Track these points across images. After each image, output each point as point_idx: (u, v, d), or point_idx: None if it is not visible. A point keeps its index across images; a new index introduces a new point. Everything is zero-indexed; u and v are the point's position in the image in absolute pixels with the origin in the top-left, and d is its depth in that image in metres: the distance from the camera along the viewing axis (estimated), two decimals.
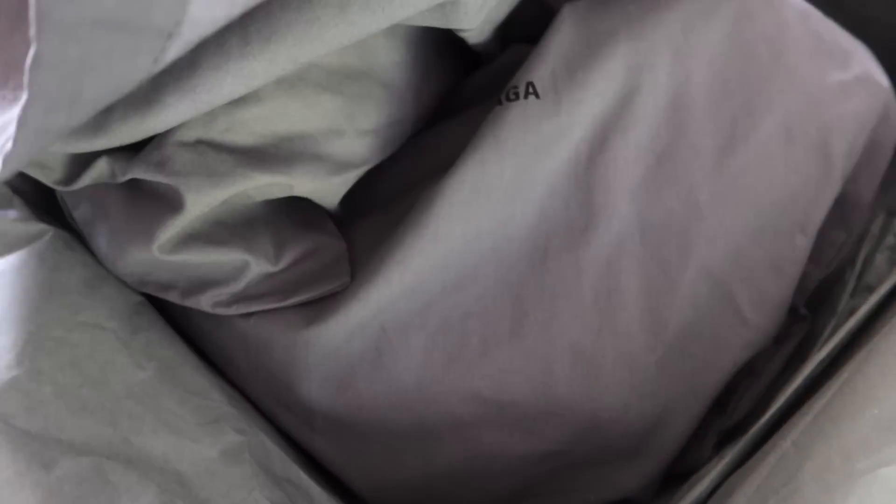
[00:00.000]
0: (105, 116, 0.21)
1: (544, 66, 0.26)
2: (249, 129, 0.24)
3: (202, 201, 0.24)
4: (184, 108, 0.21)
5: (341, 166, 0.26)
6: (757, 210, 0.28)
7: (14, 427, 0.20)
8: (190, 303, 0.26)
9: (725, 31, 0.27)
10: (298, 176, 0.25)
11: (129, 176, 0.23)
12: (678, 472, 0.29)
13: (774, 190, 0.28)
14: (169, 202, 0.24)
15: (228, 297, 0.26)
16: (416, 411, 0.27)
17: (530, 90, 0.26)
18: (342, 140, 0.26)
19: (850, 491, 0.18)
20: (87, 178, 0.23)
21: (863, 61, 0.29)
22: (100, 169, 0.23)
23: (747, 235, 0.28)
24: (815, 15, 0.29)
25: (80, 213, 0.26)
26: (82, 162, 0.23)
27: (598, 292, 0.27)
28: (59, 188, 0.24)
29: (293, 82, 0.24)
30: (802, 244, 0.28)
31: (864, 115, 0.29)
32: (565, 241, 0.27)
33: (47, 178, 0.23)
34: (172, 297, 0.26)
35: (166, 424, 0.22)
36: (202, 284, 0.26)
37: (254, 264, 0.26)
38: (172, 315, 0.28)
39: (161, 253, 0.24)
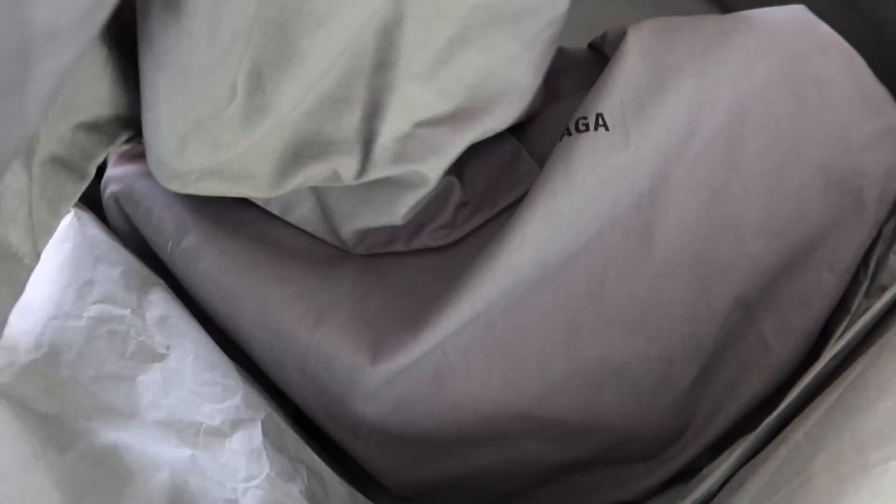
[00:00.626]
0: (259, 95, 0.23)
1: (613, 98, 0.27)
2: (445, 93, 0.25)
3: (440, 171, 0.27)
4: (323, 47, 0.22)
5: (527, 88, 0.28)
6: (792, 247, 0.29)
7: (31, 409, 0.21)
8: (415, 244, 0.28)
9: (782, 72, 0.28)
10: (499, 115, 0.27)
11: (367, 179, 0.26)
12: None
13: (808, 228, 0.29)
14: (408, 182, 0.27)
15: (445, 230, 0.28)
16: (465, 427, 0.28)
17: (600, 122, 0.27)
18: (519, 64, 0.27)
19: (861, 483, 0.18)
20: (299, 180, 0.25)
21: (894, 109, 0.30)
22: (316, 172, 0.25)
23: (779, 269, 0.29)
24: (858, 59, 0.29)
25: (301, 212, 0.28)
26: (287, 166, 0.25)
27: (648, 319, 0.28)
28: (267, 195, 0.26)
29: (461, 32, 0.25)
30: (830, 281, 0.29)
31: (895, 163, 0.29)
32: (623, 272, 0.28)
33: (254, 188, 0.26)
34: (397, 246, 0.28)
35: (182, 405, 0.22)
36: (420, 226, 0.28)
37: (455, 196, 0.28)
38: (218, 324, 0.28)
39: (400, 220, 0.27)
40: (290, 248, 0.28)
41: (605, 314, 0.28)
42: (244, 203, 0.29)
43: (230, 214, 0.28)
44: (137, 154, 0.29)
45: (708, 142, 0.28)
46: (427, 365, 0.27)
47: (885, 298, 0.26)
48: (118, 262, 0.25)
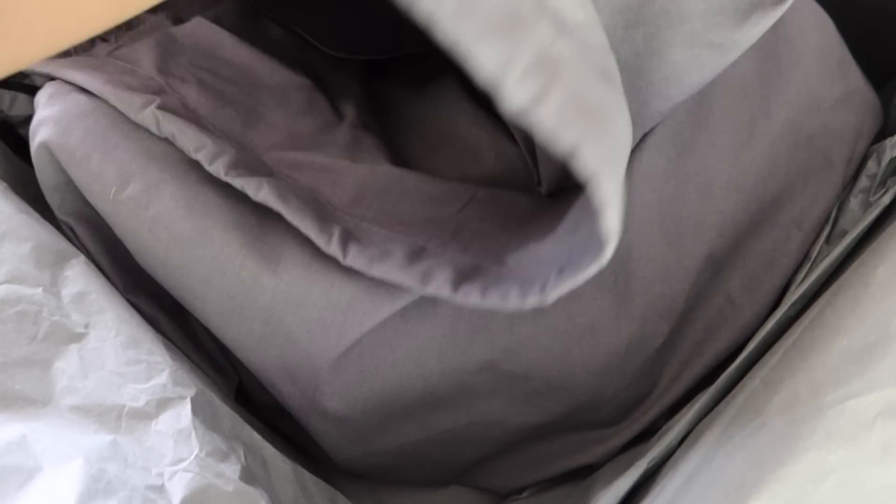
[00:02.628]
0: None
1: None
2: None
3: None
4: None
5: None
6: (761, 204, 0.28)
7: None
8: None
9: None
10: None
11: None
12: None
13: (778, 186, 0.28)
14: None
15: None
16: (430, 380, 0.27)
17: None
18: None
19: (817, 425, 0.17)
20: None
21: (859, 73, 0.30)
22: None
23: (748, 227, 0.28)
24: (827, 20, 0.29)
25: None
26: None
27: (619, 277, 0.27)
28: None
29: None
30: (797, 238, 0.29)
31: (862, 125, 0.29)
32: None
33: None
34: None
35: (103, 388, 0.20)
36: None
37: None
38: (162, 278, 0.27)
39: None
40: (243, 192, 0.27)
41: None
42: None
43: (178, 157, 0.26)
44: (72, 89, 0.27)
45: None
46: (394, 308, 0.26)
47: (846, 242, 0.25)
48: (28, 237, 0.23)
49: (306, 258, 0.25)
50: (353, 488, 0.31)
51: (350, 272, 0.25)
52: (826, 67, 0.29)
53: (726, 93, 0.28)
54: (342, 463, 0.29)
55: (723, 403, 0.22)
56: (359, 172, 0.27)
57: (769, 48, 0.28)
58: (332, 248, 0.24)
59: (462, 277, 0.23)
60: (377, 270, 0.24)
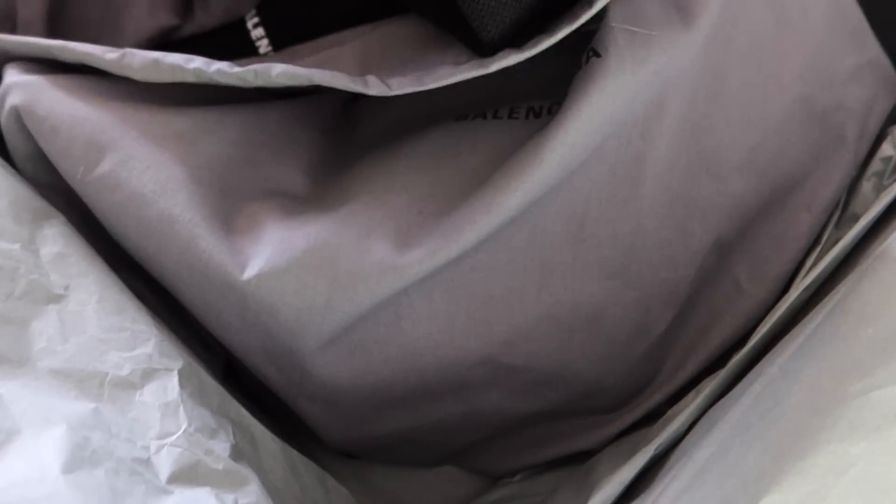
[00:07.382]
0: None
1: (604, 27, 0.24)
2: None
3: None
4: None
5: None
6: (771, 186, 0.27)
7: None
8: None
9: None
10: None
11: None
12: None
13: (789, 166, 0.27)
14: None
15: None
16: (424, 375, 0.26)
17: (590, 53, 0.24)
18: None
19: (840, 415, 0.17)
20: None
21: (874, 42, 0.28)
22: None
23: (757, 209, 0.27)
24: None
25: None
26: None
27: (629, 263, 0.26)
28: None
29: None
30: (806, 221, 0.27)
31: (875, 100, 0.28)
32: (604, 211, 0.26)
33: None
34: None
35: (84, 353, 0.19)
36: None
37: None
38: (142, 265, 0.25)
39: None
40: (221, 173, 0.25)
41: (583, 256, 0.26)
42: (178, 110, 0.25)
43: (157, 128, 0.25)
44: (47, 64, 0.25)
45: (692, 72, 0.25)
46: (387, 305, 0.25)
47: (859, 227, 0.25)
48: (5, 191, 0.21)
49: (276, 258, 0.24)
50: (340, 469, 0.30)
51: (322, 267, 0.24)
52: (839, 36, 0.27)
53: (741, 64, 0.26)
54: (333, 444, 0.28)
55: (736, 390, 0.21)
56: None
57: (783, 13, 0.26)
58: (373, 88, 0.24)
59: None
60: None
